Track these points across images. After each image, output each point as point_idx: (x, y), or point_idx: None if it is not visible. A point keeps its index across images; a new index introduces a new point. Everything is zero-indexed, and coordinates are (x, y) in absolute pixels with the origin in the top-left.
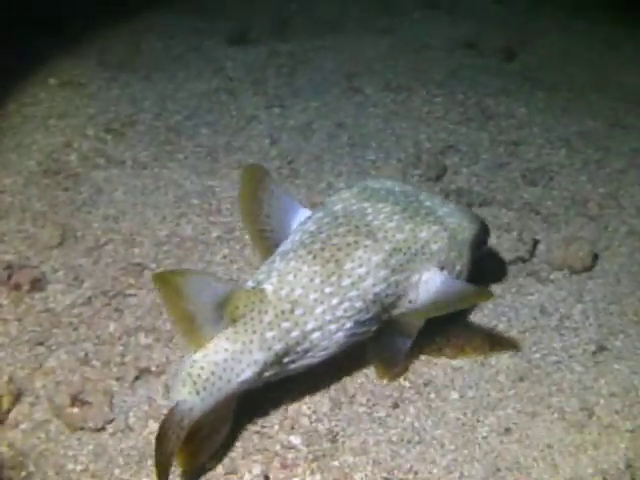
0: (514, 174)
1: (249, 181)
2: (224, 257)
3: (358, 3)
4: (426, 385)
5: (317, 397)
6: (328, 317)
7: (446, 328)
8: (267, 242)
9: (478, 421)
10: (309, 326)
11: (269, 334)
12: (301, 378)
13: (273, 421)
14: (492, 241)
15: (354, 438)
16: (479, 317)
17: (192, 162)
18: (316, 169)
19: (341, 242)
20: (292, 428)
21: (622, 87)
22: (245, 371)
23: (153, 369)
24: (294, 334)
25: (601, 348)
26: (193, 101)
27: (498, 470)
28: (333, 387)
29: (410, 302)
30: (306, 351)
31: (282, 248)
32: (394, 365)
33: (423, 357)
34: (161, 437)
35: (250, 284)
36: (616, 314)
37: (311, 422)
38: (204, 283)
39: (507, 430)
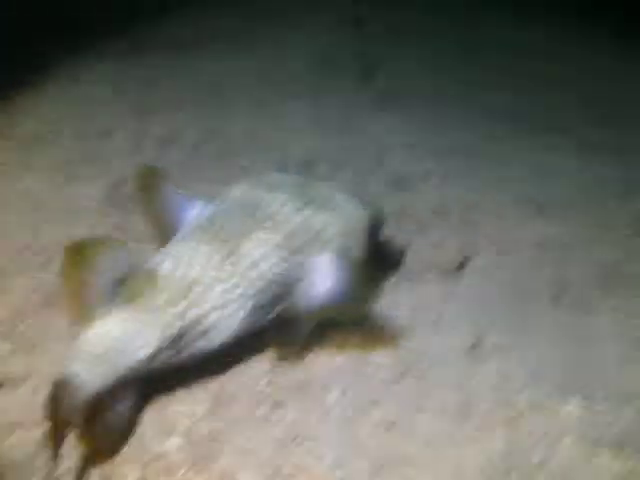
0: (382, 180)
1: (143, 180)
2: None
3: (215, 24)
4: (307, 383)
5: (196, 397)
6: (226, 297)
7: (324, 326)
8: (163, 231)
9: (362, 417)
10: (207, 306)
11: (165, 313)
12: (179, 377)
13: (150, 423)
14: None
15: (236, 438)
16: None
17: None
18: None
19: (237, 225)
20: (171, 430)
21: (479, 102)
22: (141, 350)
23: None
24: (192, 313)
25: (475, 345)
26: None
27: (384, 464)
28: (213, 386)
29: (311, 284)
30: (205, 332)
31: (178, 236)
32: (294, 345)
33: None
34: (50, 408)
35: (146, 267)
36: (488, 312)
37: (191, 423)
38: (114, 258)
39: (392, 424)
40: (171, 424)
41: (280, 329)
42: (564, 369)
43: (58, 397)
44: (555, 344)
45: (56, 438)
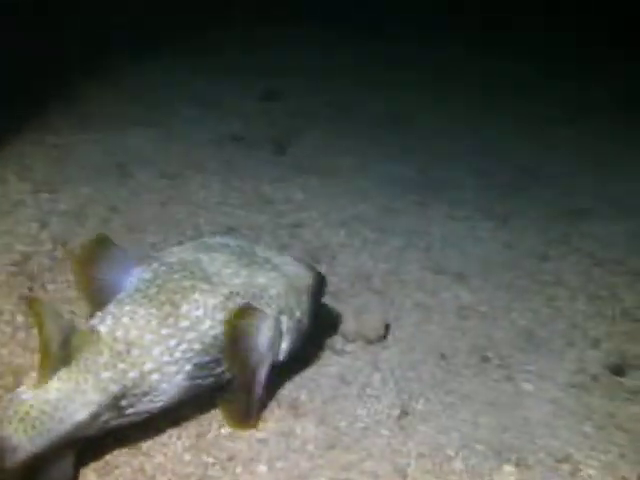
0: (297, 254)
1: (88, 247)
2: None
3: (120, 100)
4: (230, 460)
5: None
6: (166, 358)
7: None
8: (101, 299)
9: None
10: (146, 367)
11: (104, 374)
12: (91, 456)
13: None
14: None
15: None
16: (279, 390)
17: None
18: None
19: (177, 286)
20: None
21: (382, 173)
22: (79, 412)
23: None
24: (131, 375)
25: (405, 412)
26: None
27: None
28: (128, 468)
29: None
30: (145, 394)
31: (118, 297)
32: (247, 414)
33: (224, 431)
34: None
35: (86, 326)
36: (414, 380)
37: None
38: (56, 316)
39: None
40: None
41: (229, 392)
42: (494, 433)
43: None
44: (483, 408)
45: None
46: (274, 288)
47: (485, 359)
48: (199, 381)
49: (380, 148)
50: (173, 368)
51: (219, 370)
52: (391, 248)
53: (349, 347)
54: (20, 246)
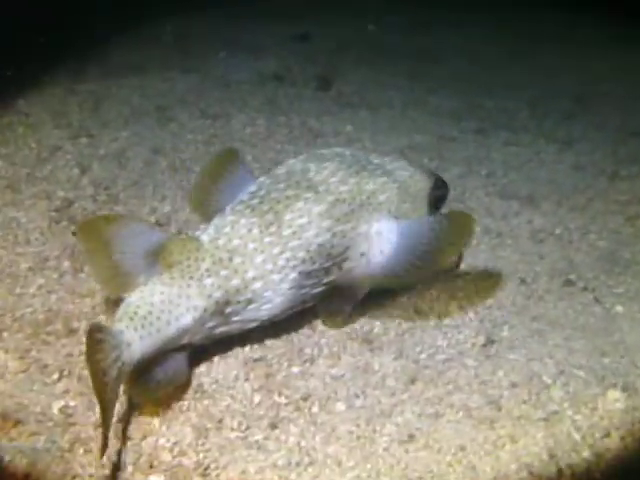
0: None
1: (216, 160)
2: (39, 288)
3: (155, 49)
4: (305, 399)
5: (176, 426)
6: (269, 266)
7: (316, 335)
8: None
9: (375, 431)
10: (249, 274)
11: (207, 281)
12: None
13: (126, 460)
14: None
15: (230, 468)
16: (349, 324)
17: None
18: (136, 194)
19: (280, 196)
20: (151, 466)
21: (432, 105)
22: (184, 315)
23: None
24: (234, 282)
25: (490, 340)
26: None
27: None
28: (193, 412)
29: (362, 254)
30: (249, 302)
31: (225, 210)
32: (340, 313)
33: (295, 370)
34: (90, 358)
35: (187, 235)
36: (495, 307)
37: (173, 456)
38: (133, 229)
39: (410, 437)
40: (150, 459)
41: (329, 297)
42: (593, 358)
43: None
44: (575, 333)
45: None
46: (384, 194)
47: (568, 282)
48: (306, 289)
49: (423, 83)
50: (277, 276)
51: (327, 279)
52: (452, 175)
53: None
54: (61, 192)
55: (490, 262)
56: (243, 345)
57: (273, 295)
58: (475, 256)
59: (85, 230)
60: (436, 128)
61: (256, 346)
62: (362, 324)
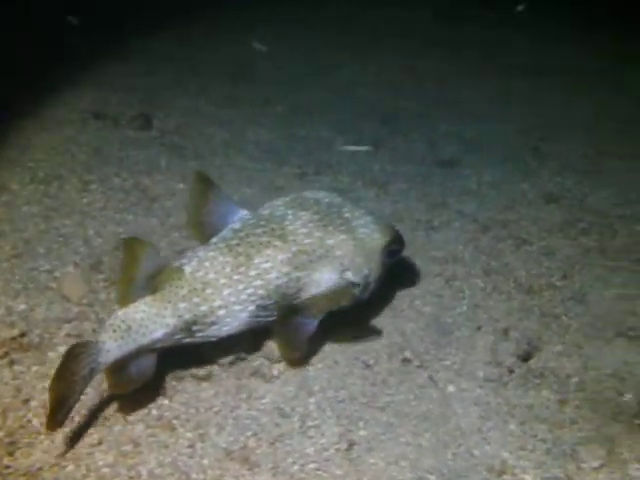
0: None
1: (198, 183)
2: None
3: None
4: None
5: None
6: (233, 299)
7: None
8: (205, 234)
9: None
10: (216, 303)
11: (181, 305)
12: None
13: None
14: None
15: None
16: (223, 434)
17: None
18: None
19: (255, 241)
20: None
21: (258, 143)
22: (158, 330)
23: None
24: (202, 308)
25: (351, 444)
26: None
27: None
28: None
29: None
30: (212, 324)
31: (212, 240)
32: (298, 348)
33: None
34: (66, 363)
35: (176, 264)
36: (347, 400)
37: None
38: (153, 254)
39: None
40: None
41: (286, 328)
42: (439, 456)
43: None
44: (420, 425)
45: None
46: (340, 250)
47: (406, 361)
48: (260, 318)
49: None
50: (238, 307)
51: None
52: None
53: (276, 370)
54: None
55: (335, 342)
56: None
57: (232, 321)
58: (320, 340)
59: (129, 245)
60: (261, 176)
61: None
62: (236, 436)
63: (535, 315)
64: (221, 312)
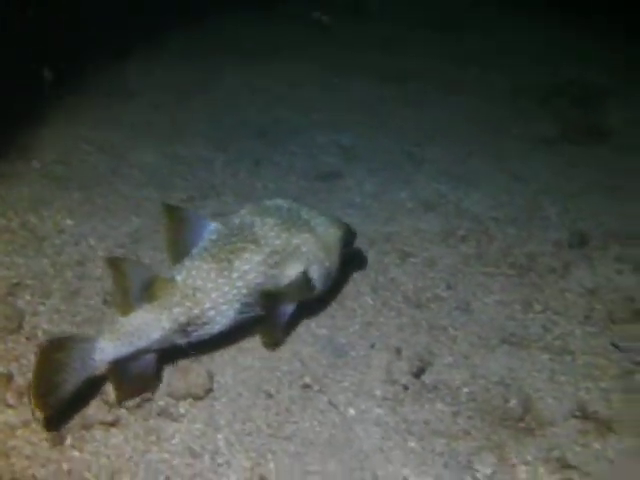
0: (93, 299)
1: (169, 212)
2: None
3: None
4: None
5: None
6: (221, 300)
7: None
8: (181, 250)
9: None
10: (206, 305)
11: (176, 309)
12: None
13: None
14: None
15: None
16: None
17: None
18: None
19: (233, 247)
20: None
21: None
22: (154, 333)
23: None
24: (195, 311)
25: (261, 477)
26: None
27: None
28: None
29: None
30: (205, 323)
31: (194, 251)
32: (274, 335)
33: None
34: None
35: (168, 275)
36: (254, 432)
37: None
38: (139, 269)
39: None
40: None
41: (264, 321)
42: None
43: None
44: (326, 451)
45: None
46: (305, 246)
47: (306, 387)
48: (245, 314)
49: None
50: (225, 306)
51: (259, 308)
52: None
53: (182, 408)
54: None
55: (237, 374)
56: None
57: (221, 319)
58: (223, 373)
59: (111, 263)
60: (149, 204)
61: None
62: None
63: (424, 329)
64: (211, 312)
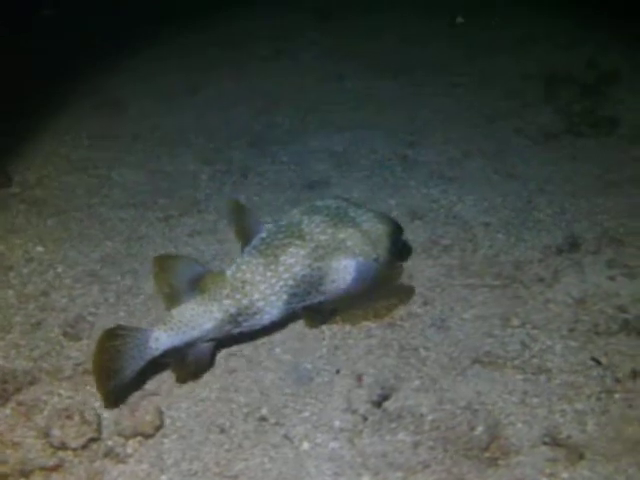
0: (53, 331)
1: (236, 210)
2: None
3: None
4: None
5: None
6: (269, 291)
7: None
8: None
9: None
10: (255, 297)
11: (226, 301)
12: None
13: None
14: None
15: None
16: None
17: None
18: None
19: (279, 243)
20: None
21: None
22: (206, 323)
23: None
24: (244, 302)
25: None
26: None
27: None
28: None
29: (333, 281)
30: (255, 314)
31: (246, 249)
32: (318, 319)
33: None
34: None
35: (219, 270)
36: (200, 472)
37: None
38: (186, 265)
39: None
40: None
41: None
42: None
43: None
44: None
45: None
46: (351, 241)
47: (262, 419)
48: (293, 304)
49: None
50: (274, 297)
51: (308, 298)
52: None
53: (130, 448)
54: None
55: (192, 407)
56: None
57: (271, 309)
58: (177, 407)
59: (158, 261)
60: (123, 226)
61: None
62: None
63: (394, 350)
64: (260, 303)
